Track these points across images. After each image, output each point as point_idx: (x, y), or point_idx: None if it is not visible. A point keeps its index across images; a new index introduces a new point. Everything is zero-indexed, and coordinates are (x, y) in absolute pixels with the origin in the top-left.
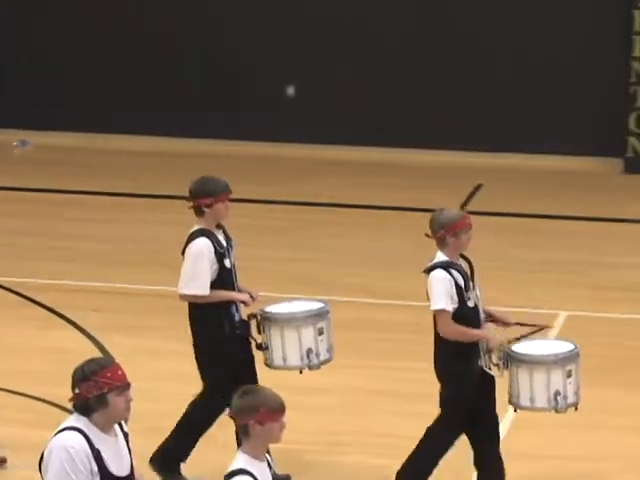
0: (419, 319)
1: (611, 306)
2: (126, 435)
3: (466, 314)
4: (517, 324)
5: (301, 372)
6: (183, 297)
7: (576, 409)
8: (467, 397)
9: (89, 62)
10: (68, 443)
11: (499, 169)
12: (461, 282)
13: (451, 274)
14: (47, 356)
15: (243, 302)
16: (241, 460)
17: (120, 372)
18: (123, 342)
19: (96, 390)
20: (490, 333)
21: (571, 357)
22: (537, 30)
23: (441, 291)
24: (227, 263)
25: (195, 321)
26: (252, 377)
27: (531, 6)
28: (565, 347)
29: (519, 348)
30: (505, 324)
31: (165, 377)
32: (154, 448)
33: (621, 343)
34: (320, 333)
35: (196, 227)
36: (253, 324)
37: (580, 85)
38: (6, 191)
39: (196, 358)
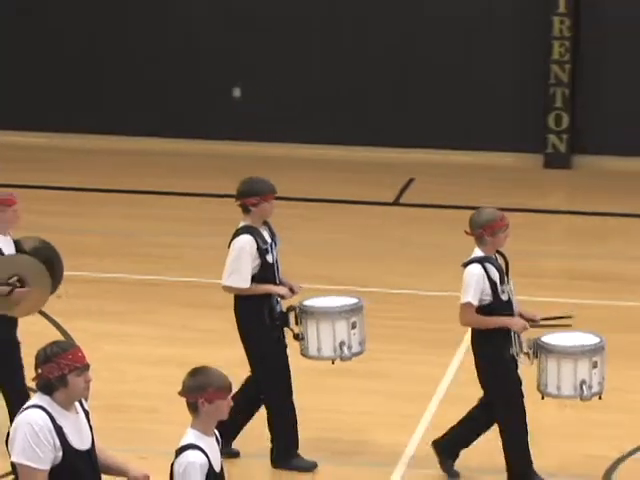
0: (375, 305)
1: (536, 291)
2: (87, 412)
3: (499, 306)
4: (543, 319)
5: (333, 362)
6: (225, 288)
7: (600, 398)
8: (503, 378)
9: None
10: (32, 420)
11: (430, 164)
12: (496, 276)
13: (486, 269)
14: None
15: (281, 296)
16: (191, 436)
17: (80, 354)
18: (86, 326)
19: (57, 371)
20: (512, 320)
21: (597, 349)
22: (464, 36)
23: (471, 285)
24: (269, 258)
25: (239, 311)
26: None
27: (459, 14)
28: (592, 339)
29: (548, 339)
30: (532, 321)
31: (125, 359)
32: (115, 425)
33: None
34: (353, 327)
35: (242, 224)
36: (292, 316)
37: (504, 87)
38: None
39: (243, 344)
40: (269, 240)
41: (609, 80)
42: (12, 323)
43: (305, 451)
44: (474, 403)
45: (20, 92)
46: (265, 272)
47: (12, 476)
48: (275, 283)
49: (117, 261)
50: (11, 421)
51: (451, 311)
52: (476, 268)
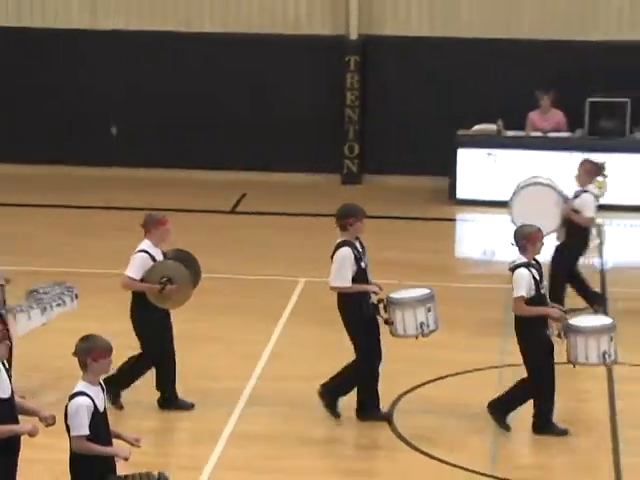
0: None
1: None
2: (7, 369)
3: (539, 299)
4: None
5: (417, 338)
6: (333, 288)
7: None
8: (542, 356)
9: None
10: None
11: (258, 182)
12: (537, 276)
13: (530, 271)
14: None
15: (374, 292)
16: (81, 385)
17: (3, 325)
18: None
19: None
20: (553, 310)
21: (612, 327)
22: (284, 89)
23: (523, 283)
24: (362, 264)
25: (343, 305)
26: (379, 342)
27: (282, 70)
28: (606, 320)
29: (575, 321)
30: (562, 310)
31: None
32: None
33: None
34: (429, 311)
35: (341, 239)
36: (381, 306)
37: (312, 125)
38: None
39: (347, 331)
40: (361, 250)
41: (387, 121)
42: None
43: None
44: (294, 360)
45: None
46: (360, 275)
47: None
48: (368, 283)
49: None
50: None
51: (274, 290)
52: (524, 271)
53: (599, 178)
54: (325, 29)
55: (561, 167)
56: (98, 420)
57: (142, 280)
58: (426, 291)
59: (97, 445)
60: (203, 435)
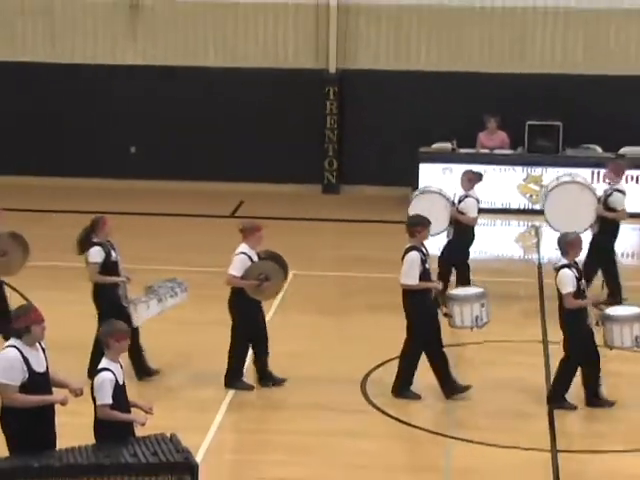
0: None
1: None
2: (43, 349)
3: (579, 294)
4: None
5: (472, 329)
6: (403, 285)
7: None
8: (583, 342)
9: None
10: (9, 353)
11: (254, 192)
12: (578, 276)
13: (572, 271)
14: None
15: (436, 288)
16: (104, 362)
17: (38, 312)
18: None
19: (24, 323)
20: (589, 302)
21: None
22: (276, 110)
23: (568, 281)
24: (427, 266)
25: (409, 300)
26: (439, 331)
27: (273, 98)
28: (637, 309)
29: (611, 311)
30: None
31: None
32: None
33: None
34: (482, 306)
35: (409, 244)
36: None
37: (299, 143)
38: None
39: (408, 320)
40: (425, 254)
41: (360, 140)
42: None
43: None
44: (284, 340)
45: None
46: (425, 275)
47: None
48: (430, 281)
49: None
50: None
51: None
52: (567, 270)
53: (535, 188)
54: (309, 64)
55: (505, 179)
56: (118, 391)
57: (242, 277)
58: (480, 290)
59: (118, 412)
60: (207, 403)
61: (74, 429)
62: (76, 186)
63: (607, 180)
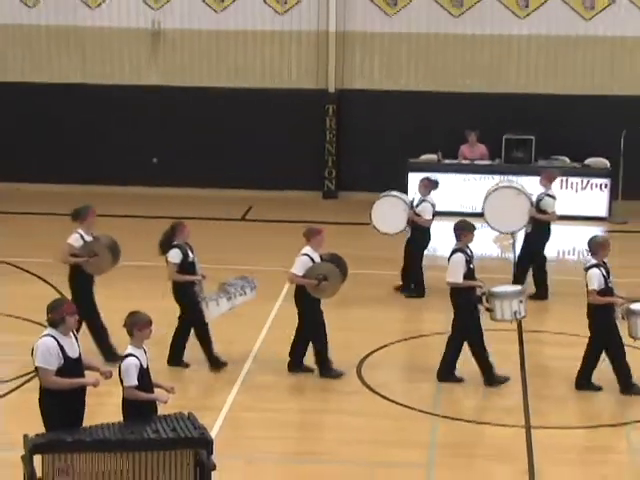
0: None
1: None
2: (76, 337)
3: (608, 291)
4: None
5: (511, 322)
6: (449, 283)
7: None
8: (607, 335)
9: None
10: (46, 341)
11: (262, 198)
12: (605, 274)
13: (601, 270)
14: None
15: (479, 287)
16: (130, 349)
17: (71, 305)
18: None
19: (60, 315)
20: (619, 299)
21: None
22: (282, 125)
23: (595, 279)
24: (472, 265)
25: (456, 297)
26: (479, 321)
27: (279, 115)
28: None
29: (635, 306)
30: (623, 298)
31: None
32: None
33: None
34: (521, 302)
35: (456, 246)
36: (484, 297)
37: (302, 154)
38: None
39: (455, 314)
40: (470, 255)
41: (356, 152)
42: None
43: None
44: (288, 328)
45: None
46: (469, 274)
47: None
48: (474, 280)
49: None
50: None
51: (273, 278)
52: (596, 270)
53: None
54: (310, 84)
55: (485, 186)
56: (143, 374)
57: (303, 276)
58: (519, 287)
59: (143, 392)
60: (222, 384)
61: (105, 408)
62: (106, 192)
63: (541, 186)
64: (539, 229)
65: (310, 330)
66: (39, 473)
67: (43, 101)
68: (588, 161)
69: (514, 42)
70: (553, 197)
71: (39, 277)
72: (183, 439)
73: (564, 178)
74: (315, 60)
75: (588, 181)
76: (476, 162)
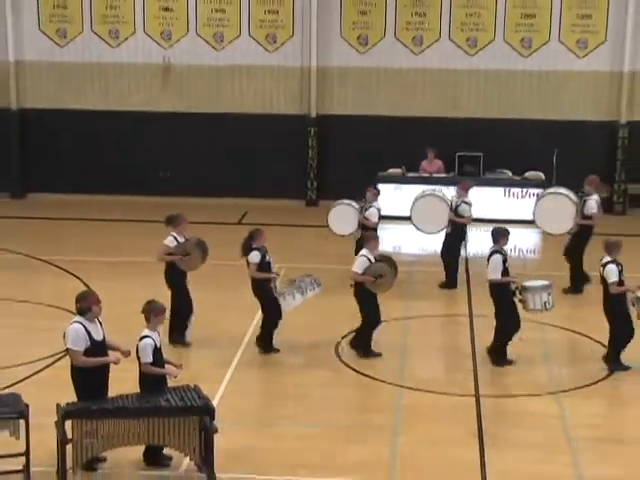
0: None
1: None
2: (101, 323)
3: (622, 283)
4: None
5: (541, 312)
6: (490, 280)
7: None
8: (624, 320)
9: None
10: (76, 326)
11: (255, 205)
12: (620, 269)
13: (617, 265)
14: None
15: (514, 282)
16: (146, 331)
17: (96, 296)
18: (103, 285)
19: (87, 304)
20: (631, 288)
21: None
22: (271, 145)
23: (614, 273)
24: (507, 265)
25: (495, 289)
26: (516, 311)
27: (268, 136)
28: None
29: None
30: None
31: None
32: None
33: None
34: (549, 294)
35: (493, 248)
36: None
37: (288, 169)
38: None
39: (495, 306)
40: (507, 255)
41: (334, 167)
42: None
43: None
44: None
45: None
46: (505, 271)
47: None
48: (510, 277)
49: None
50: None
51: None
52: (614, 265)
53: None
54: (295, 110)
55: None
56: (156, 353)
57: (362, 274)
58: (548, 282)
59: (156, 368)
60: (222, 361)
61: (125, 381)
62: (124, 201)
63: (458, 194)
64: (457, 230)
65: (369, 319)
66: (70, 435)
67: (72, 124)
68: (527, 174)
69: (465, 75)
70: (469, 204)
71: (69, 272)
72: (190, 407)
73: (507, 188)
74: (299, 90)
75: (527, 191)
76: (434, 175)
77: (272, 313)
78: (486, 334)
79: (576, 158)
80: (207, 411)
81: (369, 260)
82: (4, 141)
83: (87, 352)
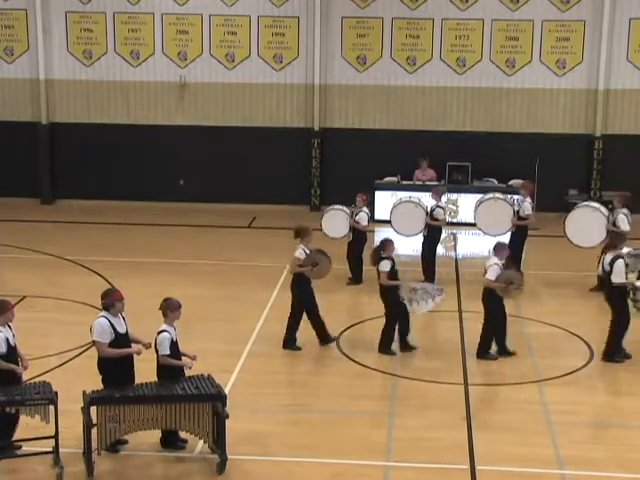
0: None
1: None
2: (124, 317)
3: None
4: None
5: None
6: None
7: None
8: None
9: None
10: (101, 320)
11: (263, 210)
12: (626, 262)
13: (624, 260)
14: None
15: (631, 284)
16: (164, 326)
17: (120, 293)
18: (129, 282)
19: (111, 300)
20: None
21: None
22: (278, 156)
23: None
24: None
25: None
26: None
27: (275, 148)
28: None
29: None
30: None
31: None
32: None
33: None
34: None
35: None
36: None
37: (294, 177)
38: None
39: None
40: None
41: (336, 175)
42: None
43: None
44: (284, 309)
45: None
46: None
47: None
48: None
49: None
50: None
51: (271, 272)
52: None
53: (453, 207)
54: (300, 124)
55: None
56: (173, 345)
57: (495, 280)
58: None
59: (173, 359)
60: (233, 353)
61: (145, 371)
62: (142, 207)
63: (432, 199)
64: (433, 232)
65: (494, 322)
66: (95, 420)
67: (97, 136)
68: (511, 182)
69: (455, 92)
70: (442, 208)
71: (94, 272)
72: (203, 395)
73: None
74: (304, 105)
75: (511, 197)
76: (427, 183)
77: (396, 317)
78: (474, 329)
79: (556, 167)
80: (219, 398)
81: (500, 268)
82: (35, 152)
83: (112, 344)
